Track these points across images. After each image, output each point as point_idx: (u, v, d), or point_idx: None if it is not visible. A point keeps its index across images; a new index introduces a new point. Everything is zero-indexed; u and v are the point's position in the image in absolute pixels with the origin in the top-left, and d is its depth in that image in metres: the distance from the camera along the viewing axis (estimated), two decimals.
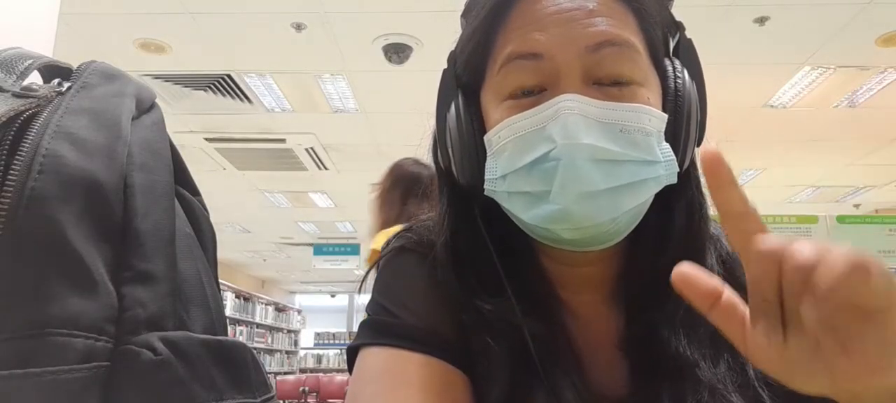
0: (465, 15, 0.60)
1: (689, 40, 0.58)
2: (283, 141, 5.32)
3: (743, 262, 0.37)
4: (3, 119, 0.36)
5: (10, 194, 0.33)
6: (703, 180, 0.60)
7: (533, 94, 0.53)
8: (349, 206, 7.61)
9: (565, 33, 0.51)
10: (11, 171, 0.34)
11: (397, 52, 3.70)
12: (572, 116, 0.49)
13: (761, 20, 3.36)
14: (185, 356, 0.36)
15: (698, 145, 0.57)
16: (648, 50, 0.54)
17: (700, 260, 0.56)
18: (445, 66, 0.61)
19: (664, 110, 0.54)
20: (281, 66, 3.99)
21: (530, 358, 0.53)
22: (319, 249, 8.91)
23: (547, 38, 0.51)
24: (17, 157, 0.35)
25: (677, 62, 0.56)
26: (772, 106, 4.50)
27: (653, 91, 0.53)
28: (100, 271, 0.35)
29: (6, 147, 0.35)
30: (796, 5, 3.23)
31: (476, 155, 0.56)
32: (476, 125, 0.56)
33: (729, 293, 0.37)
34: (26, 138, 0.36)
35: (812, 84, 4.15)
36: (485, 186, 0.55)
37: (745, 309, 0.37)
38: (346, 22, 3.43)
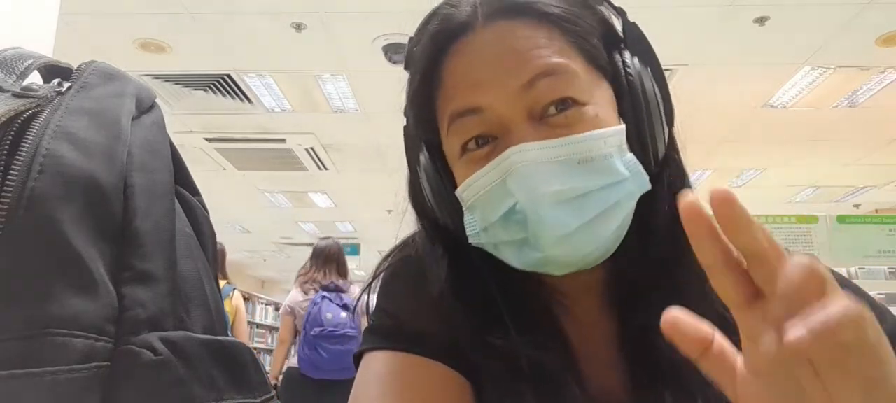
0: (406, 68, 0.59)
1: (634, 24, 0.56)
2: (283, 141, 5.32)
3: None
4: (3, 119, 0.36)
5: (10, 194, 0.33)
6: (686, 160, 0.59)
7: (487, 144, 0.52)
8: (349, 206, 7.61)
9: (498, 79, 0.51)
10: (11, 171, 0.34)
11: (397, 52, 3.70)
12: (527, 167, 0.49)
13: (761, 20, 3.36)
14: (185, 356, 0.36)
15: (671, 126, 0.56)
16: (586, 61, 0.53)
17: (687, 244, 0.56)
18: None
19: (622, 109, 0.53)
20: (281, 66, 3.99)
21: (531, 376, 0.53)
22: None
23: (482, 90, 0.51)
24: (17, 157, 0.35)
25: (626, 54, 0.55)
26: (772, 106, 4.50)
27: (601, 103, 0.52)
28: (100, 271, 0.35)
29: (6, 147, 0.35)
30: (796, 5, 3.23)
31: (454, 208, 0.56)
32: (446, 180, 0.56)
33: (719, 338, 0.34)
34: (26, 138, 0.36)
35: (812, 84, 4.15)
36: (469, 240, 0.55)
37: (734, 354, 0.34)
38: (346, 22, 3.43)
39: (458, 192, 0.55)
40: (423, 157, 0.57)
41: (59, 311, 0.33)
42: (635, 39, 0.56)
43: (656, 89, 0.54)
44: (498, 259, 0.55)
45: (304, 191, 7.07)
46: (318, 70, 4.04)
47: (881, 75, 4.03)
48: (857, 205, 7.29)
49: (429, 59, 0.54)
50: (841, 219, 4.73)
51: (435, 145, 0.57)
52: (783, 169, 5.99)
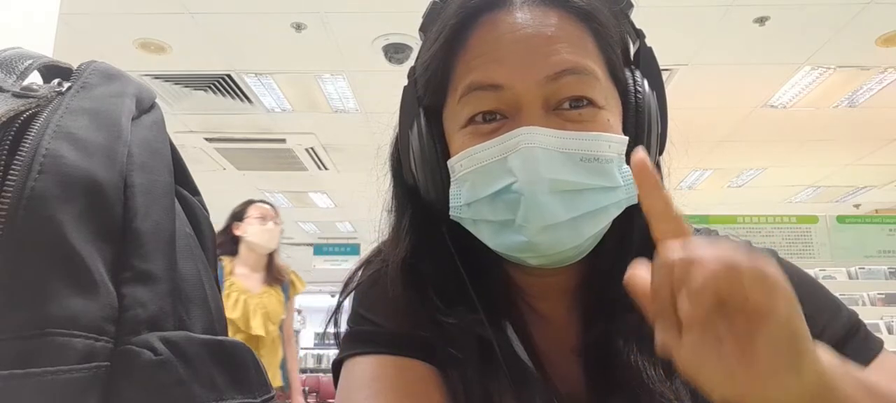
0: (423, 30, 0.59)
1: (649, 49, 0.58)
2: (283, 141, 5.32)
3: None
4: (3, 119, 0.36)
5: (10, 194, 0.33)
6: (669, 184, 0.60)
7: (494, 120, 0.52)
8: (349, 206, 7.61)
9: (525, 62, 0.51)
10: (11, 171, 0.34)
11: (397, 52, 3.70)
12: (533, 150, 0.49)
13: (761, 20, 3.36)
14: (185, 356, 0.36)
15: (661, 153, 0.57)
16: (607, 69, 0.54)
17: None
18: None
19: (625, 124, 0.54)
20: (281, 66, 3.99)
21: (496, 365, 0.53)
22: (319, 249, 8.90)
23: (507, 68, 0.51)
24: (17, 157, 0.35)
25: (637, 73, 0.56)
26: (772, 106, 4.50)
27: (613, 111, 0.53)
28: (100, 271, 0.35)
29: (6, 147, 0.35)
30: (796, 5, 3.23)
31: (440, 178, 0.56)
32: (439, 148, 0.56)
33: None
34: (26, 138, 0.36)
35: (812, 84, 4.15)
36: (451, 212, 0.55)
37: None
38: (346, 22, 3.43)
39: (451, 162, 0.55)
40: (420, 122, 0.57)
41: (59, 311, 0.33)
42: (648, 63, 0.57)
43: (658, 116, 0.56)
44: (467, 247, 0.56)
45: (304, 191, 7.07)
46: (318, 70, 4.03)
47: (881, 75, 4.03)
48: (857, 205, 7.29)
49: (459, 22, 0.54)
50: (841, 219, 4.73)
51: (434, 111, 0.57)
52: (783, 169, 5.99)
